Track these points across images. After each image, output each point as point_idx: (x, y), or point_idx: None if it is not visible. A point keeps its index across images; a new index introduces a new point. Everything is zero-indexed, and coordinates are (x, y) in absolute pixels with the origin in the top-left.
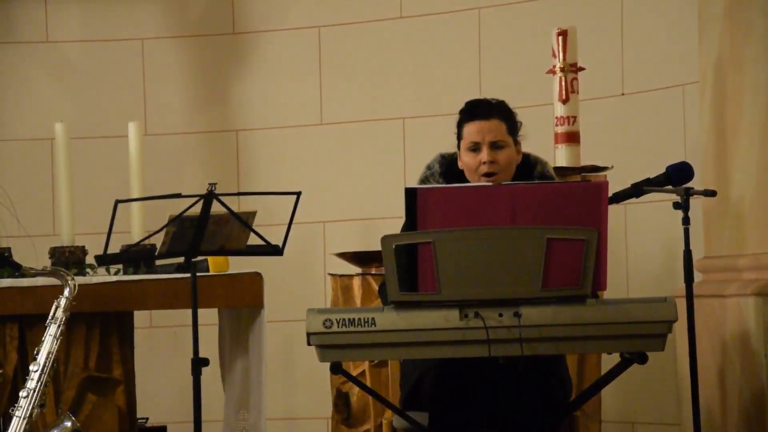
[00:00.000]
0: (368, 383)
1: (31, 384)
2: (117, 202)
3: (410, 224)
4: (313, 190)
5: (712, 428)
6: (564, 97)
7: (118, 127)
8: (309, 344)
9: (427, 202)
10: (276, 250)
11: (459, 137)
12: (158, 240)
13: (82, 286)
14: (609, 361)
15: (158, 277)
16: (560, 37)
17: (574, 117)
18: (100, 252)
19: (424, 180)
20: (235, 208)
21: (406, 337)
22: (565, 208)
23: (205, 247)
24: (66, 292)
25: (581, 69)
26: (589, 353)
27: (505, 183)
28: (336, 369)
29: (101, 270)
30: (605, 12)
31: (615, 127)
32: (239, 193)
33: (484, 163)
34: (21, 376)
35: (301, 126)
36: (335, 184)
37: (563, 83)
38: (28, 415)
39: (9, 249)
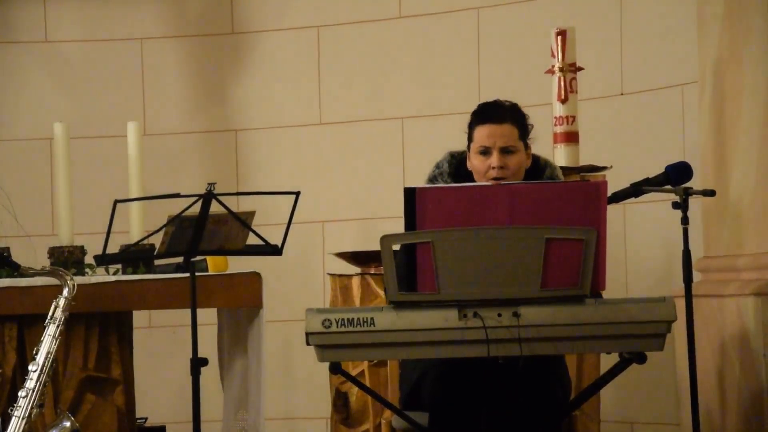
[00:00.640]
0: (367, 383)
1: (30, 384)
2: (116, 201)
3: (409, 224)
4: (312, 190)
5: (711, 428)
6: (563, 96)
7: (117, 126)
8: (308, 344)
9: (425, 202)
10: (275, 250)
11: (470, 139)
12: (157, 240)
13: (81, 286)
14: (608, 360)
15: (157, 277)
16: (559, 37)
17: (573, 117)
18: (99, 252)
19: (433, 179)
20: (234, 208)
21: (405, 337)
22: (564, 208)
23: (204, 246)
24: (65, 292)
25: (580, 69)
26: (588, 353)
27: (504, 182)
28: (335, 369)
29: (100, 270)
30: (604, 12)
31: (614, 127)
32: (238, 193)
33: (494, 168)
34: (20, 376)
35: (300, 126)
36: (334, 184)
37: (562, 83)
38: (27, 415)
39: (8, 249)
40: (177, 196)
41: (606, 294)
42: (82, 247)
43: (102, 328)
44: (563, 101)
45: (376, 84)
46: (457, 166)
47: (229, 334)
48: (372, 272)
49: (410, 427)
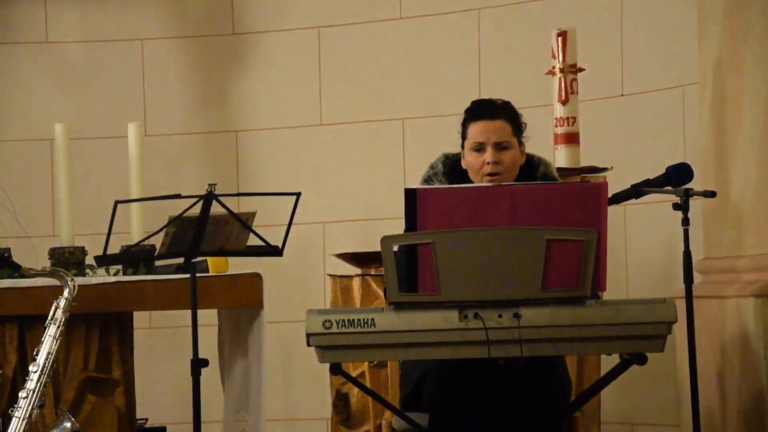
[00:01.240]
0: (368, 384)
1: (30, 384)
2: (116, 202)
3: (409, 225)
4: (312, 191)
5: (711, 429)
6: (564, 98)
7: (117, 127)
8: (308, 345)
9: (426, 203)
10: (275, 251)
11: (463, 137)
12: (158, 240)
13: (82, 287)
14: (608, 362)
15: (158, 278)
16: (560, 38)
17: (574, 118)
18: (100, 252)
19: (428, 180)
20: (234, 209)
21: (406, 338)
22: (565, 209)
23: (204, 247)
24: (65, 293)
25: (581, 70)
26: (589, 354)
27: (505, 184)
28: (335, 370)
29: (101, 271)
30: (605, 13)
31: (614, 128)
32: (239, 194)
33: (488, 163)
34: (20, 376)
35: (301, 127)
36: (335, 185)
37: (563, 84)
38: (27, 415)
39: (8, 249)
40: (178, 197)
41: (606, 295)
42: (83, 247)
43: (102, 328)
44: (564, 102)
45: (377, 85)
46: (451, 166)
47: (230, 335)
48: (372, 273)
49: (410, 428)
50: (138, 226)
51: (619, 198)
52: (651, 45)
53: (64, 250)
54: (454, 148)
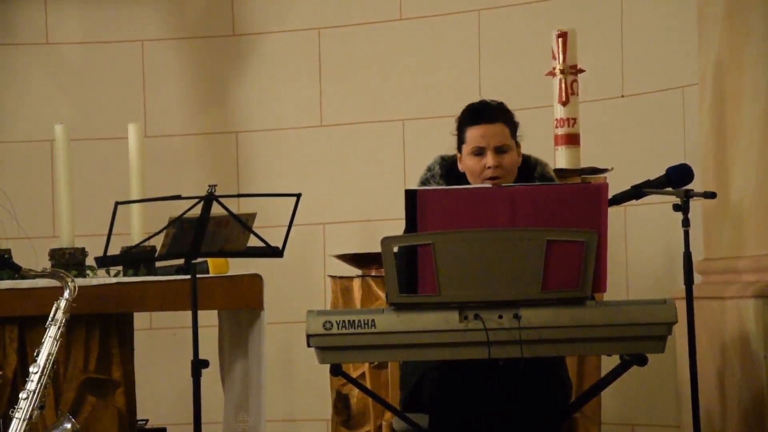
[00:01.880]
0: (368, 385)
1: (30, 386)
2: (117, 203)
3: (410, 226)
4: (312, 192)
5: (711, 430)
6: (564, 99)
7: (117, 128)
8: (309, 346)
9: (426, 204)
10: (276, 252)
11: (461, 140)
12: (158, 242)
13: (82, 288)
14: (609, 362)
15: (158, 279)
16: (560, 39)
17: (574, 119)
18: (100, 254)
19: (425, 182)
20: (234, 210)
21: (406, 339)
22: (565, 210)
23: (204, 248)
24: (66, 294)
25: (581, 71)
26: (589, 355)
27: (505, 185)
28: (336, 371)
29: (101, 272)
30: (605, 14)
31: (615, 129)
32: (239, 195)
33: (489, 167)
34: (21, 377)
35: (301, 128)
36: (335, 186)
37: (563, 85)
38: (27, 416)
39: (9, 251)
40: (178, 198)
41: (607, 296)
42: (83, 249)
43: (103, 330)
44: (564, 103)
45: (377, 86)
46: (448, 168)
47: (230, 336)
48: (373, 274)
49: (411, 428)
50: (138, 227)
51: (620, 199)
52: (651, 46)
53: (65, 251)
54: (454, 149)
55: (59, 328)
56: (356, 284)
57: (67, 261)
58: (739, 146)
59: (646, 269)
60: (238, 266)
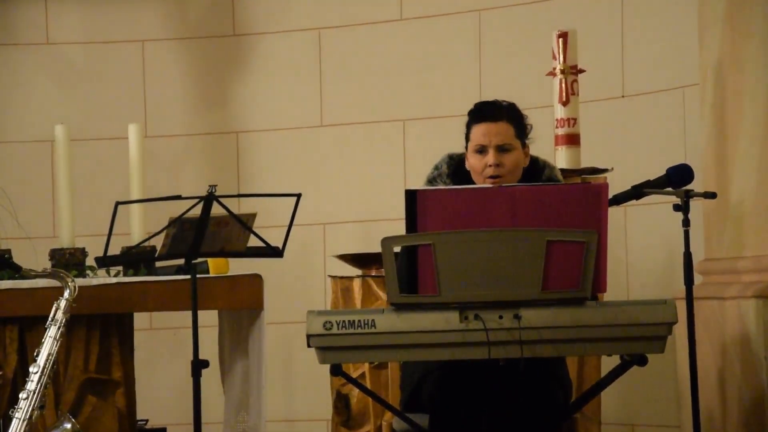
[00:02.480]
0: (368, 385)
1: (30, 386)
2: (117, 203)
3: (410, 226)
4: (313, 192)
5: (712, 430)
6: (564, 99)
7: (118, 128)
8: (309, 346)
9: (426, 204)
10: (276, 252)
11: (467, 138)
12: (158, 242)
13: (82, 288)
14: (609, 363)
15: (158, 279)
16: (560, 39)
17: (575, 119)
18: (101, 254)
19: (432, 180)
20: (235, 210)
21: (406, 339)
22: (565, 210)
23: (205, 248)
24: (66, 294)
25: (581, 71)
26: (589, 355)
27: (506, 185)
28: (336, 371)
29: (101, 272)
30: (605, 14)
31: (615, 129)
32: (239, 195)
33: (490, 165)
34: (21, 377)
35: (302, 128)
36: (335, 186)
37: (563, 85)
38: (27, 416)
39: (9, 251)
40: (178, 198)
41: (607, 296)
42: (83, 249)
43: (103, 330)
44: (564, 103)
45: (378, 86)
46: (455, 167)
47: (230, 336)
48: (373, 274)
49: (411, 429)
50: (138, 227)
51: (620, 199)
52: (651, 46)
53: (65, 252)
54: (454, 149)
55: (59, 328)
56: (356, 284)
57: (68, 261)
58: (739, 146)
59: (646, 269)
60: (238, 266)
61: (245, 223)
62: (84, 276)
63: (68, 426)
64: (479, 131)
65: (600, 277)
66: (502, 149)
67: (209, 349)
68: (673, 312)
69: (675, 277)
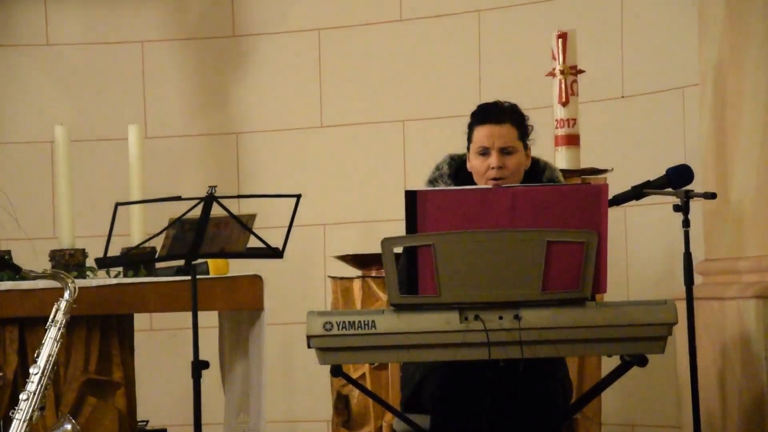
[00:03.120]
0: (368, 386)
1: (31, 387)
2: (117, 204)
3: (410, 227)
4: (313, 193)
5: (712, 431)
6: (564, 99)
7: (118, 129)
8: (309, 347)
9: (426, 205)
10: (276, 253)
11: (469, 139)
12: (158, 243)
13: (83, 289)
14: (609, 363)
15: (158, 280)
16: (560, 40)
17: (574, 119)
18: (101, 255)
19: (433, 180)
20: (235, 211)
21: (407, 340)
22: (565, 211)
23: (205, 249)
24: (66, 295)
25: (581, 71)
26: (590, 356)
27: (505, 185)
28: (336, 372)
29: (101, 273)
30: (605, 14)
31: (615, 130)
32: (239, 196)
33: (493, 168)
34: (21, 378)
35: (301, 128)
36: (335, 187)
37: (563, 86)
38: (28, 417)
39: (9, 252)
40: (178, 199)
41: (607, 297)
42: (83, 250)
43: (103, 331)
44: (564, 104)
45: (377, 87)
46: (456, 168)
47: (230, 337)
48: (373, 275)
49: (411, 429)
50: (138, 228)
51: (620, 199)
52: (651, 47)
53: (65, 253)
54: (454, 149)
55: (59, 329)
56: (356, 285)
57: (68, 262)
58: (739, 147)
59: (646, 270)
60: (238, 267)
61: (245, 223)
62: (84, 277)
63: (68, 427)
64: (482, 133)
65: (600, 278)
66: (505, 151)
67: (209, 350)
68: (673, 312)
69: (675, 278)
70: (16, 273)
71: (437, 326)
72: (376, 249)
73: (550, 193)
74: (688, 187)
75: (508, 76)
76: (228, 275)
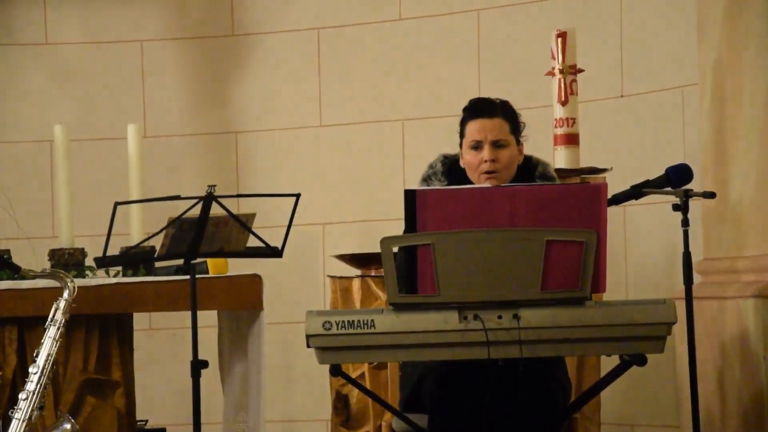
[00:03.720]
0: (368, 385)
1: (30, 386)
2: (116, 204)
3: (409, 226)
4: (312, 192)
5: (711, 430)
6: (563, 98)
7: (117, 128)
8: (308, 346)
9: (425, 204)
10: (275, 252)
11: (461, 135)
12: (158, 242)
13: (82, 288)
14: (608, 363)
15: (157, 279)
16: (559, 39)
17: (574, 119)
18: (100, 254)
19: (427, 179)
20: (234, 210)
21: (406, 339)
22: (565, 210)
23: (204, 249)
24: (65, 294)
25: (580, 71)
26: (589, 355)
27: (504, 185)
28: (335, 371)
29: (100, 272)
30: (604, 14)
31: (614, 129)
32: (238, 195)
33: (486, 161)
34: (20, 378)
35: (301, 128)
36: (335, 186)
37: (562, 85)
38: (27, 417)
39: (8, 251)
40: (177, 198)
41: (606, 296)
42: (83, 249)
43: (102, 330)
44: (563, 103)
45: (377, 86)
46: (450, 166)
47: (230, 336)
48: (372, 274)
49: (410, 429)
50: (138, 227)
51: (619, 199)
52: (650, 46)
53: (64, 252)
54: (453, 149)
55: (59, 328)
56: (356, 284)
57: (67, 261)
58: (738, 146)
59: (645, 269)
60: (237, 266)
61: (244, 223)
62: (83, 276)
63: (68, 426)
64: (474, 127)
65: (599, 277)
66: (497, 145)
67: (208, 350)
68: (673, 312)
69: (674, 277)
70: (16, 272)
71: (436, 326)
72: (375, 248)
73: (550, 193)
74: (688, 187)
75: (507, 75)
76: (227, 275)
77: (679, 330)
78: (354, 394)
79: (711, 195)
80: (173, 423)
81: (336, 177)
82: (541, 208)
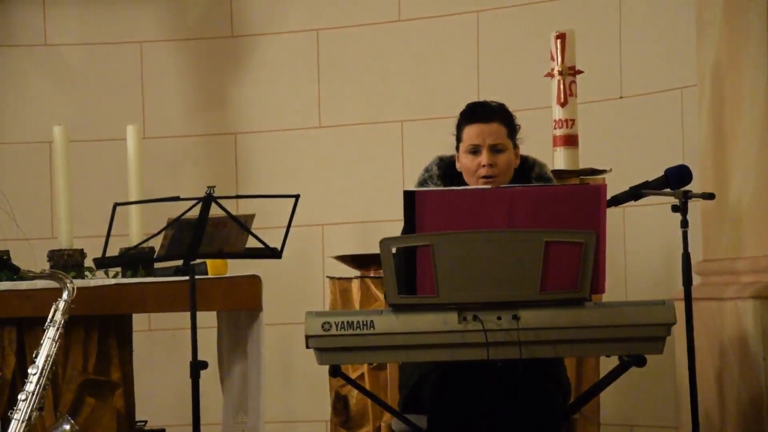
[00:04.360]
0: (367, 386)
1: (29, 387)
2: (115, 205)
3: (408, 227)
4: (311, 193)
5: (710, 431)
6: (562, 100)
7: (116, 130)
8: (308, 347)
9: (425, 205)
10: (274, 253)
11: (458, 139)
12: (157, 243)
13: (81, 289)
14: (608, 363)
15: (157, 280)
16: (559, 41)
17: (573, 120)
18: (99, 255)
19: (422, 182)
20: (233, 211)
21: (405, 340)
22: (564, 211)
23: (203, 250)
24: (64, 295)
25: (579, 72)
26: (588, 356)
27: (504, 186)
28: (335, 372)
29: (100, 273)
30: (604, 15)
31: (613, 131)
32: (238, 196)
33: (484, 166)
34: (19, 379)
35: (300, 129)
36: (334, 187)
37: (562, 86)
38: (26, 418)
39: (7, 252)
40: (176, 199)
41: (605, 297)
42: (82, 250)
43: (102, 331)
44: (563, 104)
45: (376, 87)
46: (445, 169)
47: (229, 337)
48: (371, 275)
49: (409, 429)
50: (137, 228)
51: (618, 200)
52: (650, 47)
53: (63, 253)
54: (452, 150)
55: (58, 329)
56: (355, 285)
57: (66, 262)
58: (737, 147)
59: (644, 270)
60: (236, 267)
61: (244, 224)
62: (82, 277)
63: (67, 427)
64: (472, 132)
65: (599, 278)
66: (495, 149)
67: (208, 350)
68: (672, 313)
69: (673, 278)
70: (15, 273)
71: (435, 326)
72: (375, 249)
73: (549, 194)
74: (687, 188)
75: (506, 76)
76: (226, 275)
77: (679, 331)
78: (353, 394)
79: (710, 196)
80: (172, 424)
81: (335, 178)
82: (541, 209)
